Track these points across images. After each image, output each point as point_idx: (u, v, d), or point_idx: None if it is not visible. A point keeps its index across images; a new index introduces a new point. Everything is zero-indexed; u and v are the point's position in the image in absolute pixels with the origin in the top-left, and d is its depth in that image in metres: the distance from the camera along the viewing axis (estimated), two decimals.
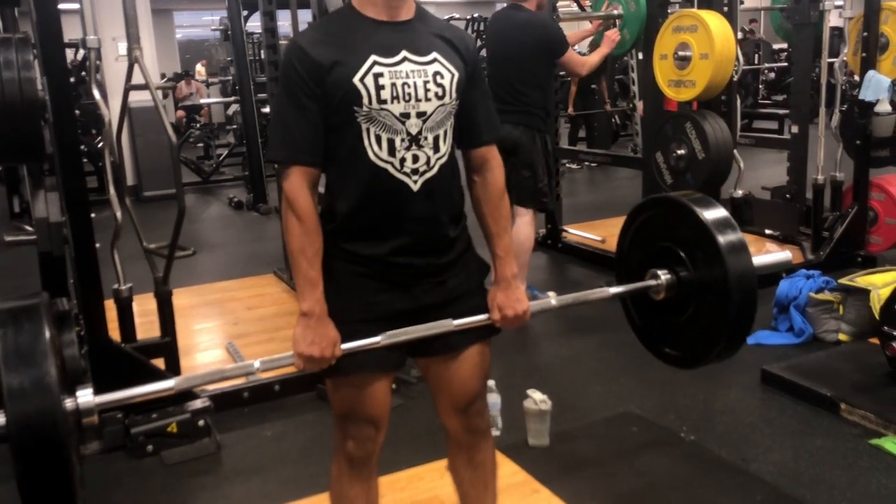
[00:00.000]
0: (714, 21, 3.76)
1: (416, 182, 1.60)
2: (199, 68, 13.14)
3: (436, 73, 1.60)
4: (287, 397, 3.27)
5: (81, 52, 7.57)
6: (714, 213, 1.79)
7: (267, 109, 8.33)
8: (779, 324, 3.76)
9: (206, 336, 3.98)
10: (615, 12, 4.35)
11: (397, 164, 1.58)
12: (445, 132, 1.63)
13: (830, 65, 4.63)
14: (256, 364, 1.57)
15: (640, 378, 3.25)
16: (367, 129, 1.57)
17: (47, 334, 1.29)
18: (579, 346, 3.66)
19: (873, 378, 3.04)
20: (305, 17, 3.60)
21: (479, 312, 1.71)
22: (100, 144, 7.11)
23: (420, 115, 1.58)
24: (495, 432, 2.86)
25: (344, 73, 1.54)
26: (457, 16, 13.00)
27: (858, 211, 4.58)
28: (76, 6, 3.76)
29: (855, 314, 3.50)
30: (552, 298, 1.85)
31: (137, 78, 2.95)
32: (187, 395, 3.01)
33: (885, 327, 2.96)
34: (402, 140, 1.58)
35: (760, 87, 12.19)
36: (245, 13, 7.43)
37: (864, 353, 3.29)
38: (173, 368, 3.15)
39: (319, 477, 2.63)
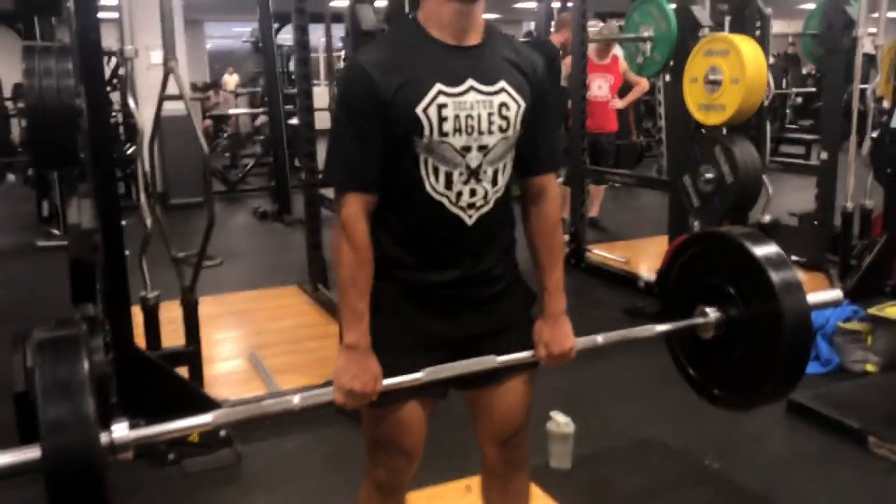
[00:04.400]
0: (746, 46, 3.75)
1: (471, 217, 1.57)
2: (228, 78, 13.27)
3: (501, 105, 1.54)
4: (308, 410, 3.26)
5: (113, 60, 7.71)
6: (767, 249, 1.76)
7: (294, 121, 8.44)
8: None
9: (229, 345, 3.99)
10: (646, 34, 4.35)
11: (453, 198, 1.54)
12: (505, 165, 1.59)
13: (862, 91, 4.58)
14: (296, 400, 1.55)
15: (663, 402, 3.22)
16: (426, 160, 1.52)
17: (86, 367, 1.26)
18: (603, 368, 3.63)
19: None
20: (338, 31, 3.62)
21: (525, 343, 1.68)
22: (128, 152, 7.21)
23: (481, 148, 1.54)
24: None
25: (407, 101, 1.48)
26: None
27: (888, 240, 4.52)
28: (114, 15, 3.81)
29: (884, 345, 3.46)
30: (599, 336, 1.78)
31: (171, 87, 2.98)
32: (209, 403, 3.03)
33: None
34: (461, 174, 1.53)
35: (788, 111, 12.12)
36: (276, 26, 7.52)
37: (893, 385, 3.25)
38: (197, 377, 3.17)
39: (340, 491, 2.64)
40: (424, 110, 1.48)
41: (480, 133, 1.52)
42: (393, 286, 1.60)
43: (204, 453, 2.90)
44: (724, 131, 4.02)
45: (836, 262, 4.74)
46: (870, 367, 3.49)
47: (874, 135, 4.59)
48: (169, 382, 3.01)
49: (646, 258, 5.45)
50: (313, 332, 4.13)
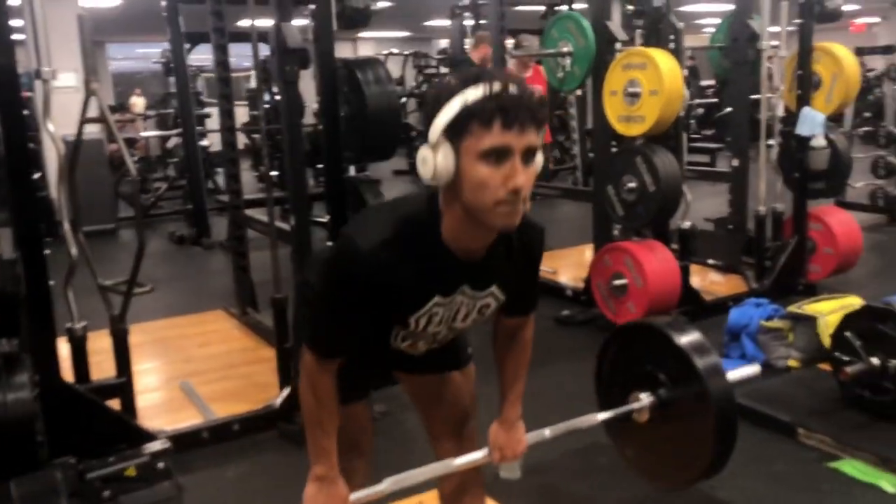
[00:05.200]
0: (663, 59, 3.89)
1: (421, 353, 1.69)
2: (136, 100, 12.87)
3: (484, 305, 1.60)
4: (247, 436, 3.20)
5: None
6: (690, 337, 1.95)
7: (205, 142, 8.25)
8: (730, 351, 3.86)
9: (158, 375, 3.86)
10: (565, 49, 4.45)
11: (408, 350, 1.67)
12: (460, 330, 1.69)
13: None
14: None
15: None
16: (397, 334, 1.61)
17: None
18: (545, 379, 3.67)
19: (826, 403, 3.14)
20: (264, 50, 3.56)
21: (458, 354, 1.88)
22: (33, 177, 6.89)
23: (451, 328, 1.63)
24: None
25: (404, 309, 1.52)
26: (395, 51, 13.11)
27: (799, 241, 4.76)
28: (21, 37, 3.66)
29: (804, 341, 3.62)
30: (546, 430, 1.93)
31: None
32: (144, 436, 2.92)
33: (837, 353, 3.06)
34: (426, 342, 1.65)
35: (691, 121, 12.60)
36: (187, 46, 7.35)
37: (815, 378, 3.40)
38: (130, 409, 3.05)
39: None
40: (417, 318, 1.55)
41: (455, 321, 1.61)
42: None
43: (141, 488, 2.79)
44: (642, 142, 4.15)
45: (752, 264, 4.95)
46: (792, 363, 3.64)
47: (770, 142, 4.80)
48: (101, 416, 2.89)
49: (571, 267, 5.56)
50: (246, 357, 4.04)
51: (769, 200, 4.83)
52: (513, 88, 1.31)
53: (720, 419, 1.89)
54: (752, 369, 2.16)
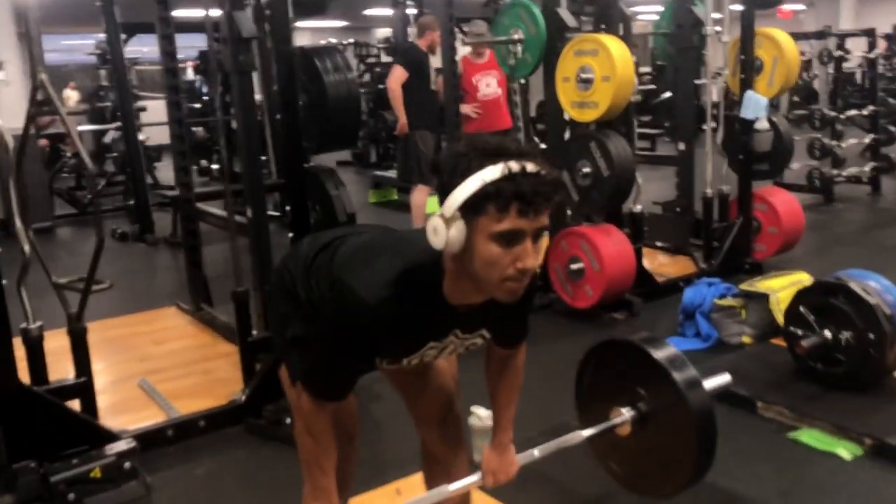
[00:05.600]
0: (614, 45, 3.95)
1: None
2: (70, 93, 12.43)
3: (472, 343, 1.64)
4: (213, 432, 3.15)
5: None
6: (667, 352, 2.00)
7: (142, 136, 8.02)
8: (685, 330, 3.96)
9: (114, 374, 3.76)
10: (516, 36, 4.48)
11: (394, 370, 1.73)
12: None
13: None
14: None
15: (571, 390, 3.33)
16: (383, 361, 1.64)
17: None
18: None
19: (782, 376, 3.25)
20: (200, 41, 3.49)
21: None
22: None
23: (436, 357, 1.67)
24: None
25: (400, 353, 1.59)
26: (333, 40, 12.95)
27: (744, 221, 4.90)
28: None
29: (756, 317, 3.74)
30: (535, 450, 1.97)
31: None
32: (107, 436, 2.85)
33: (791, 328, 3.17)
34: (408, 363, 1.66)
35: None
36: (123, 37, 7.15)
37: (769, 353, 3.52)
38: (91, 410, 2.96)
39: None
40: (409, 360, 1.61)
41: (441, 356, 1.65)
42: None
43: (108, 489, 2.73)
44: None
45: (699, 245, 5.08)
46: (746, 339, 3.76)
47: (712, 125, 4.92)
48: (62, 418, 2.81)
49: None
50: (205, 354, 3.97)
51: (715, 183, 4.95)
52: (531, 168, 1.31)
53: (700, 430, 1.95)
54: (724, 378, 2.26)
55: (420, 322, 1.50)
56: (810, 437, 2.85)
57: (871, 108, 7.20)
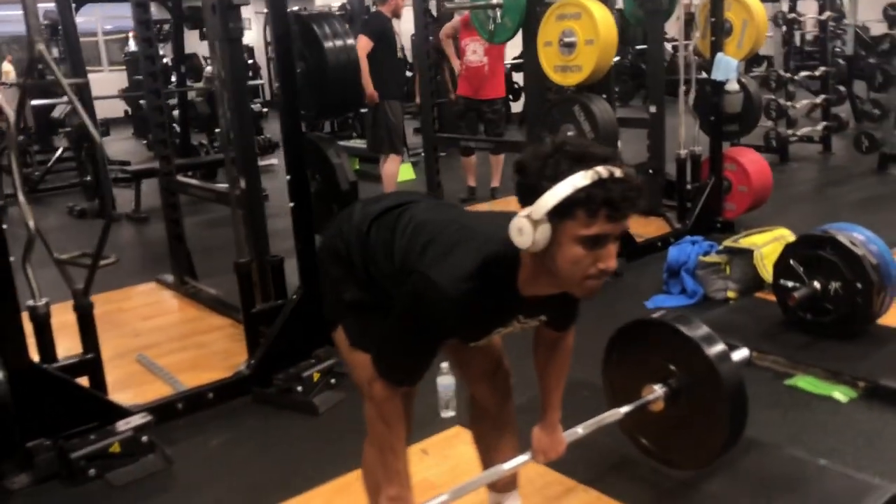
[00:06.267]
0: (597, 8, 4.00)
1: None
2: (7, 67, 11.94)
3: (532, 325, 1.71)
4: (222, 404, 3.14)
5: None
6: (698, 330, 2.13)
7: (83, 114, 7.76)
8: (671, 287, 4.08)
9: (110, 351, 3.63)
10: (494, 1, 4.49)
11: None
12: None
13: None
14: None
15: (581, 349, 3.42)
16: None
17: None
18: None
19: (771, 327, 3.39)
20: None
21: None
22: None
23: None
24: (451, 413, 2.93)
25: (472, 337, 1.67)
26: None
27: (716, 181, 5.04)
28: None
29: (740, 273, 3.88)
30: (579, 428, 2.07)
31: None
32: (120, 412, 2.83)
33: (782, 280, 3.31)
34: None
35: None
36: (73, 5, 6.90)
37: (756, 306, 3.66)
38: (99, 386, 2.93)
39: (280, 480, 2.63)
40: (477, 341, 1.67)
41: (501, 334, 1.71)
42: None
43: (128, 463, 2.72)
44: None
45: (672, 206, 5.21)
46: (731, 294, 3.90)
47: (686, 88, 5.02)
48: (73, 395, 2.78)
49: None
50: (197, 327, 3.94)
51: (688, 144, 5.07)
52: (618, 173, 1.36)
53: (733, 401, 2.07)
54: (744, 352, 2.39)
55: (493, 309, 1.57)
56: (806, 382, 3.00)
57: (822, 69, 7.42)
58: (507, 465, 1.88)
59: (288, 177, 3.25)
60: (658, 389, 2.14)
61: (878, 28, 9.80)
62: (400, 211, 1.69)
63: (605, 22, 4.00)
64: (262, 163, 7.94)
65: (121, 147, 11.08)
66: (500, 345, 1.95)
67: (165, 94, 9.16)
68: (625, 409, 2.16)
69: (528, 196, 1.39)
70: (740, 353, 2.33)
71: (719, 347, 2.11)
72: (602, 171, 1.34)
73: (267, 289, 3.45)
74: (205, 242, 5.41)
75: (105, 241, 2.83)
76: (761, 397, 2.96)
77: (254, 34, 14.11)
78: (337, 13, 11.87)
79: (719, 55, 4.82)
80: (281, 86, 3.17)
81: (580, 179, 1.33)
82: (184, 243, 4.48)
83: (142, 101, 10.59)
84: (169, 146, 4.35)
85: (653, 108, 5.37)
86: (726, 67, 4.81)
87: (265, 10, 11.03)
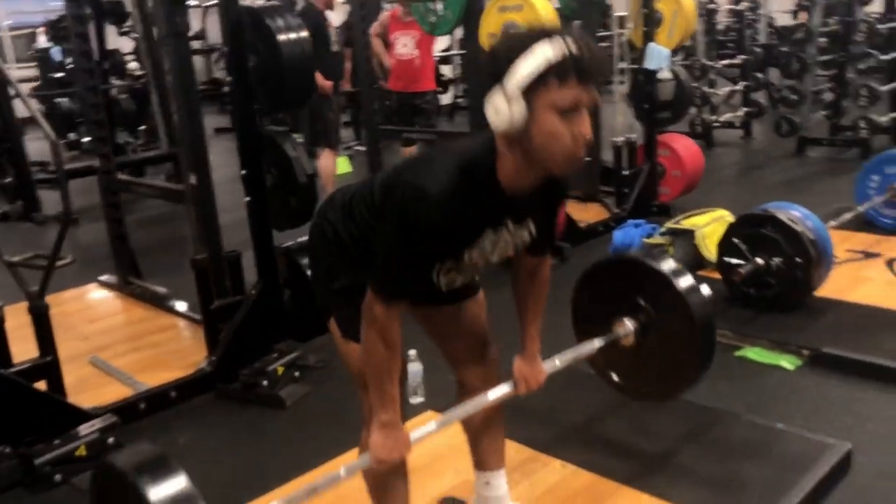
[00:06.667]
0: (539, 0, 4.09)
1: (449, 289, 1.78)
2: None
3: (521, 239, 1.70)
4: (184, 403, 3.11)
5: None
6: (668, 264, 2.18)
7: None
8: None
9: (60, 355, 3.57)
10: None
11: (443, 287, 1.75)
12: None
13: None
14: (342, 472, 1.70)
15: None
16: (442, 268, 1.68)
17: None
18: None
19: (718, 303, 3.47)
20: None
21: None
22: None
23: (487, 263, 1.72)
24: (420, 399, 2.98)
25: (461, 243, 1.63)
26: (195, 2, 12.41)
27: (651, 167, 5.22)
28: None
29: (683, 252, 4.03)
30: (556, 359, 2.09)
31: None
32: (81, 415, 2.78)
33: (726, 258, 3.47)
34: (462, 277, 1.75)
35: None
36: None
37: None
38: (58, 390, 2.86)
39: (253, 471, 2.65)
40: (469, 250, 1.64)
41: (493, 254, 1.70)
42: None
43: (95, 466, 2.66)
44: None
45: (609, 192, 5.37)
46: None
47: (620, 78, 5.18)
48: (36, 400, 2.71)
49: None
50: (147, 327, 3.86)
51: (623, 132, 5.23)
52: (584, 44, 1.42)
53: (703, 332, 2.14)
54: (707, 289, 2.37)
55: (478, 207, 1.56)
56: (755, 353, 3.16)
57: (741, 57, 7.74)
58: (492, 395, 1.89)
59: (243, 171, 3.23)
60: (629, 324, 2.19)
61: (784, 19, 10.32)
62: (377, 175, 1.78)
63: (547, 13, 4.09)
64: None
65: (35, 147, 10.66)
66: (486, 328, 1.99)
67: (79, 92, 8.95)
68: (598, 341, 2.19)
69: (499, 79, 1.44)
70: (705, 289, 2.34)
71: (689, 281, 2.16)
72: (568, 39, 1.41)
73: (223, 285, 3.42)
74: (144, 242, 5.28)
75: (62, 242, 2.75)
76: (714, 369, 3.06)
77: None
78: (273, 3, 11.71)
79: (651, 45, 4.99)
80: (234, 80, 3.14)
81: (550, 49, 1.40)
82: (127, 243, 4.38)
83: (57, 100, 10.28)
84: (108, 144, 4.24)
85: None
86: (658, 57, 4.98)
87: (196, 3, 10.71)
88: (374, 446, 1.68)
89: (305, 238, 3.50)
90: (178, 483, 1.46)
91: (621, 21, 5.08)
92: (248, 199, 3.26)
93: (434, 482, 2.37)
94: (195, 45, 14.19)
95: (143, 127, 8.91)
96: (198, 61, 14.75)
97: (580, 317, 2.39)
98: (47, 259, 2.91)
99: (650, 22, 5.01)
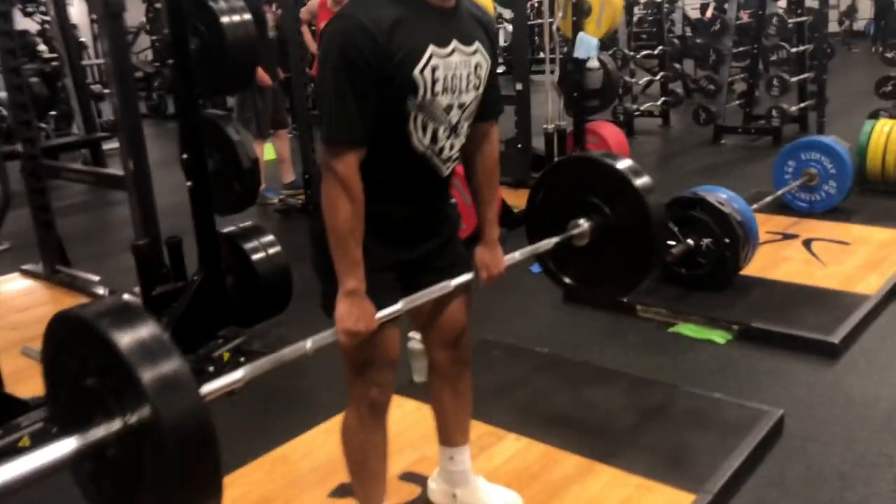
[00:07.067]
0: None
1: (447, 168, 1.74)
2: None
3: (476, 65, 1.69)
4: None
5: None
6: (625, 163, 2.21)
7: None
8: None
9: None
10: None
11: (436, 151, 1.69)
12: (472, 119, 1.76)
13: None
14: (308, 344, 1.60)
15: (484, 308, 3.57)
16: (415, 117, 1.63)
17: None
18: None
19: (651, 282, 3.66)
20: None
21: (458, 254, 1.91)
22: None
23: (461, 105, 1.69)
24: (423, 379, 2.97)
25: (406, 63, 1.57)
26: None
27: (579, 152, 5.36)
28: None
29: None
30: (517, 253, 2.09)
31: None
32: (19, 406, 2.70)
33: None
34: (445, 130, 1.69)
35: None
36: None
37: None
38: None
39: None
40: (421, 72, 1.60)
41: (461, 91, 1.68)
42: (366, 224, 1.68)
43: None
44: None
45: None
46: None
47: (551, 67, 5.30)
48: None
49: None
50: None
51: (554, 119, 5.36)
52: None
53: (657, 226, 2.18)
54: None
55: (407, 18, 1.57)
56: (688, 329, 3.32)
57: (660, 48, 8.00)
58: (454, 282, 1.84)
59: (184, 155, 3.18)
60: (584, 224, 2.19)
61: (694, 14, 10.73)
62: None
63: (482, 2, 4.15)
64: (106, 147, 7.60)
65: None
66: (466, 317, 1.99)
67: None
68: (553, 239, 2.20)
69: None
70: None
71: (646, 179, 2.19)
72: None
73: (161, 271, 3.36)
74: (68, 230, 5.12)
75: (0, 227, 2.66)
76: (650, 344, 3.26)
77: (76, 10, 13.19)
78: None
79: (580, 34, 5.12)
80: (175, 63, 3.08)
81: None
82: (54, 230, 4.24)
83: None
84: (33, 128, 4.09)
85: (519, 86, 5.61)
86: (587, 46, 5.12)
87: None
88: (340, 316, 1.62)
89: (248, 223, 3.52)
90: (147, 328, 1.23)
91: (551, 10, 5.18)
92: (189, 183, 3.21)
93: (392, 459, 2.40)
94: None
95: (53, 112, 8.58)
96: None
97: (535, 220, 2.37)
98: None
99: (579, 12, 5.15)
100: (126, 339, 1.19)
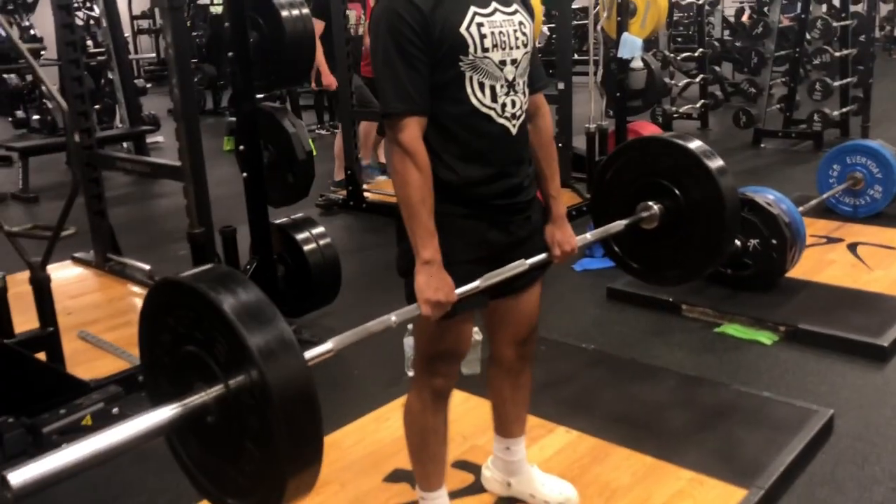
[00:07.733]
0: None
1: (514, 126, 1.75)
2: None
3: (520, 23, 1.74)
4: None
5: None
6: (697, 144, 2.18)
7: None
8: (595, 251, 4.34)
9: None
10: None
11: (499, 110, 1.71)
12: (527, 78, 1.78)
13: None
14: (393, 318, 1.62)
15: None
16: (471, 77, 1.67)
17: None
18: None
19: (696, 283, 3.69)
20: None
21: (542, 246, 1.90)
22: None
23: (513, 62, 1.72)
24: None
25: (452, 23, 1.63)
26: None
27: None
28: None
29: None
30: (588, 234, 2.10)
31: None
32: (82, 387, 2.79)
33: None
34: (502, 86, 1.71)
35: None
36: None
37: None
38: (58, 360, 2.87)
39: None
40: (467, 29, 1.65)
41: (511, 48, 1.71)
42: (452, 207, 1.72)
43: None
44: None
45: (580, 178, 5.50)
46: None
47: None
48: (38, 371, 2.72)
49: None
50: (132, 303, 3.87)
51: (596, 119, 5.37)
52: None
53: (732, 212, 2.14)
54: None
55: None
56: (734, 329, 3.32)
57: (700, 50, 7.97)
58: (530, 261, 1.82)
59: (240, 147, 3.25)
60: (654, 206, 2.17)
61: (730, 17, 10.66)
62: None
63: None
64: (148, 140, 7.74)
65: None
66: (537, 315, 2.00)
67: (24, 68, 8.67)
68: (623, 221, 2.19)
69: None
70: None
71: (719, 162, 2.15)
72: None
73: (214, 260, 3.44)
74: (114, 220, 5.23)
75: (68, 212, 2.75)
76: (695, 344, 3.27)
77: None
78: None
79: (624, 35, 5.12)
80: (234, 55, 3.16)
81: None
82: (106, 219, 4.34)
83: (5, 76, 9.98)
84: (90, 119, 4.19)
85: (561, 85, 5.62)
86: (631, 46, 5.12)
87: None
88: (420, 287, 1.63)
89: (300, 214, 3.59)
90: (252, 293, 1.27)
91: (597, 11, 5.20)
92: (244, 174, 3.28)
93: None
94: (143, 24, 13.98)
95: (97, 106, 8.74)
96: (146, 41, 14.51)
97: (600, 203, 2.36)
98: (48, 230, 2.87)
99: (624, 12, 5.15)
100: (232, 302, 1.22)
